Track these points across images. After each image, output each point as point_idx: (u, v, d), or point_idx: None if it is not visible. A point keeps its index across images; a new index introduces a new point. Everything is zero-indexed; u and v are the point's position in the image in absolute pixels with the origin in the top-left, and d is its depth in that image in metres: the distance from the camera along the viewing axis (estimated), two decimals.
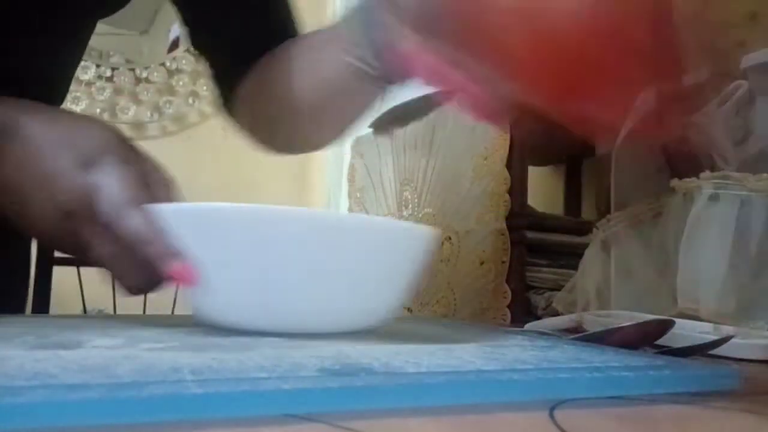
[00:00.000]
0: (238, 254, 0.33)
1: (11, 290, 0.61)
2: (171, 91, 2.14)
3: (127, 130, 2.05)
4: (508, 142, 0.76)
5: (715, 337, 0.39)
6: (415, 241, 0.37)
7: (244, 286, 0.34)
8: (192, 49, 0.60)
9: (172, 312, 1.65)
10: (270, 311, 0.34)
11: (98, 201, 0.36)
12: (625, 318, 0.53)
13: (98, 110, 2.05)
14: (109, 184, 0.36)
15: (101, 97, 2.07)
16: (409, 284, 0.38)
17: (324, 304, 0.34)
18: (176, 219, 0.35)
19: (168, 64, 2.14)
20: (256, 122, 0.58)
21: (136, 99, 2.07)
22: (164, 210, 0.35)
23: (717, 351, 0.38)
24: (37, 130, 0.39)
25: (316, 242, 0.33)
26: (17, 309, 0.61)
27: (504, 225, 0.75)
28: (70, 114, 0.43)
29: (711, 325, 0.49)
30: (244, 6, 0.57)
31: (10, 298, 0.60)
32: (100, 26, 0.60)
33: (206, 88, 2.16)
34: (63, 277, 1.30)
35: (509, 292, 0.73)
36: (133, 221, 0.35)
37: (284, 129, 0.56)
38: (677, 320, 0.42)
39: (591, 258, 0.69)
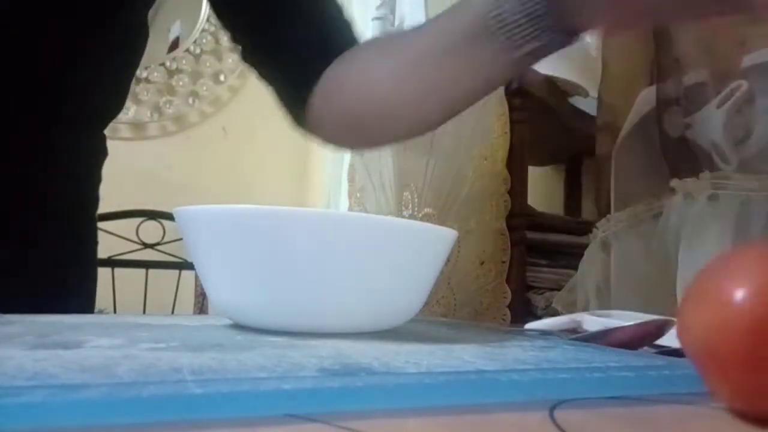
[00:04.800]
0: (264, 256, 0.33)
1: (83, 289, 0.63)
2: (171, 91, 2.14)
3: (126, 130, 2.05)
4: (508, 142, 0.76)
5: None
6: (436, 243, 0.37)
7: (272, 287, 0.34)
8: (251, 69, 0.60)
9: (172, 312, 1.65)
10: (294, 312, 0.34)
11: None
12: (625, 318, 0.52)
13: None
14: None
15: None
16: (428, 285, 0.39)
17: (346, 305, 0.35)
18: (201, 221, 0.35)
19: (168, 64, 2.14)
20: (339, 126, 0.56)
21: (136, 99, 2.07)
22: (185, 213, 0.35)
23: None
24: None
25: (339, 244, 0.33)
26: (88, 308, 0.63)
27: (504, 225, 0.75)
28: None
29: None
30: (296, 21, 0.56)
31: (82, 297, 0.62)
32: None
33: (206, 88, 2.16)
34: None
35: (509, 292, 0.73)
36: None
37: (376, 125, 0.54)
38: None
39: (591, 258, 0.69)
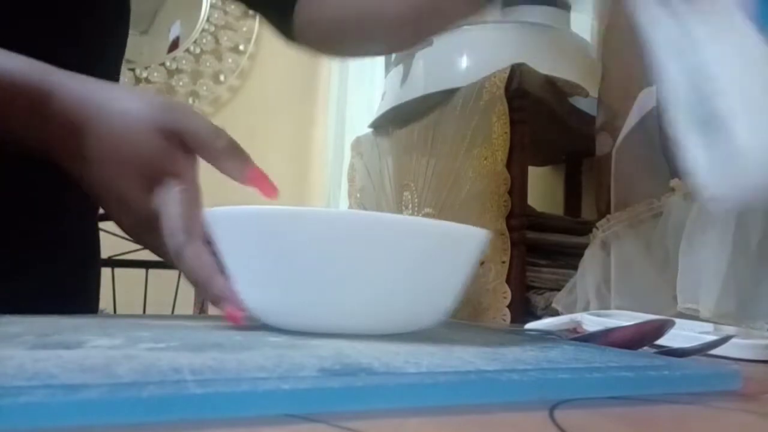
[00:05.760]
0: (294, 258, 0.33)
1: (87, 290, 0.63)
2: (171, 91, 2.14)
3: None
4: (508, 143, 0.76)
5: (715, 337, 0.39)
6: (471, 243, 0.37)
7: (301, 289, 0.34)
8: (238, 4, 0.66)
9: (172, 312, 1.65)
10: (327, 314, 0.34)
11: (163, 229, 0.39)
12: (625, 318, 0.53)
13: None
14: (168, 215, 0.40)
15: None
16: (462, 285, 0.38)
17: (381, 306, 0.35)
18: (229, 223, 0.35)
19: (168, 64, 2.14)
20: (324, 36, 0.62)
21: None
22: (214, 214, 0.35)
23: (717, 351, 0.38)
24: (94, 142, 0.42)
25: (375, 245, 0.33)
26: (92, 309, 0.64)
27: (504, 225, 0.75)
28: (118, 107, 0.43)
29: (711, 325, 0.49)
30: None
31: (86, 298, 0.62)
32: None
33: (206, 88, 2.16)
34: None
35: (509, 292, 0.73)
36: (189, 262, 0.38)
37: (356, 32, 0.60)
38: (677, 320, 0.42)
39: (591, 258, 0.69)
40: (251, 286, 0.36)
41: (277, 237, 0.33)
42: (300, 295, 0.34)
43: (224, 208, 0.35)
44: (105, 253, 0.65)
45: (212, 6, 2.19)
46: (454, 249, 0.36)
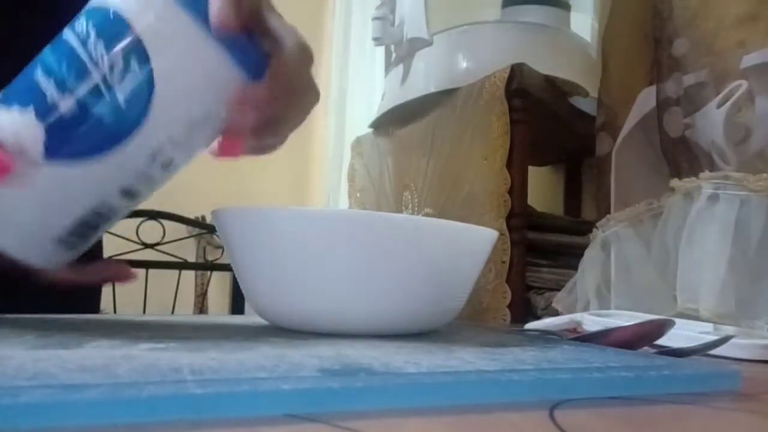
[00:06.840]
0: (308, 258, 0.33)
1: (88, 289, 0.62)
2: None
3: None
4: (508, 143, 0.76)
5: (715, 337, 0.39)
6: (480, 243, 0.37)
7: (317, 289, 0.34)
8: None
9: (172, 312, 1.65)
10: (340, 314, 0.34)
11: None
12: (625, 318, 0.53)
13: None
14: None
15: None
16: (470, 286, 0.39)
17: (393, 307, 0.35)
18: (234, 222, 0.35)
19: None
20: None
21: None
22: (220, 213, 0.35)
23: (717, 351, 0.38)
24: None
25: (383, 245, 0.33)
26: (93, 308, 0.63)
27: (504, 225, 0.75)
28: None
29: (711, 325, 0.49)
30: None
31: (86, 298, 0.62)
32: None
33: None
34: None
35: (509, 292, 0.73)
36: None
37: None
38: (677, 320, 0.42)
39: (591, 258, 0.69)
40: (256, 285, 0.36)
41: (285, 237, 0.33)
42: (310, 296, 0.34)
43: (230, 207, 0.35)
44: (105, 253, 0.65)
45: None
46: (463, 249, 0.36)
